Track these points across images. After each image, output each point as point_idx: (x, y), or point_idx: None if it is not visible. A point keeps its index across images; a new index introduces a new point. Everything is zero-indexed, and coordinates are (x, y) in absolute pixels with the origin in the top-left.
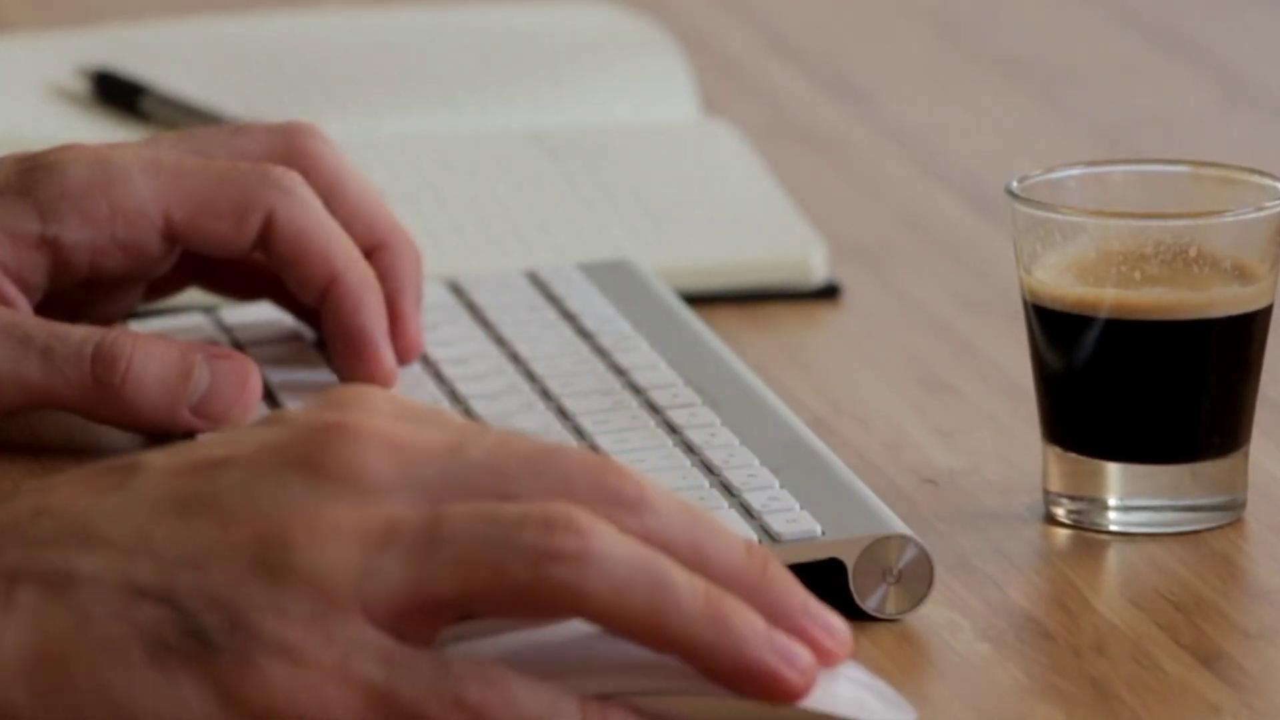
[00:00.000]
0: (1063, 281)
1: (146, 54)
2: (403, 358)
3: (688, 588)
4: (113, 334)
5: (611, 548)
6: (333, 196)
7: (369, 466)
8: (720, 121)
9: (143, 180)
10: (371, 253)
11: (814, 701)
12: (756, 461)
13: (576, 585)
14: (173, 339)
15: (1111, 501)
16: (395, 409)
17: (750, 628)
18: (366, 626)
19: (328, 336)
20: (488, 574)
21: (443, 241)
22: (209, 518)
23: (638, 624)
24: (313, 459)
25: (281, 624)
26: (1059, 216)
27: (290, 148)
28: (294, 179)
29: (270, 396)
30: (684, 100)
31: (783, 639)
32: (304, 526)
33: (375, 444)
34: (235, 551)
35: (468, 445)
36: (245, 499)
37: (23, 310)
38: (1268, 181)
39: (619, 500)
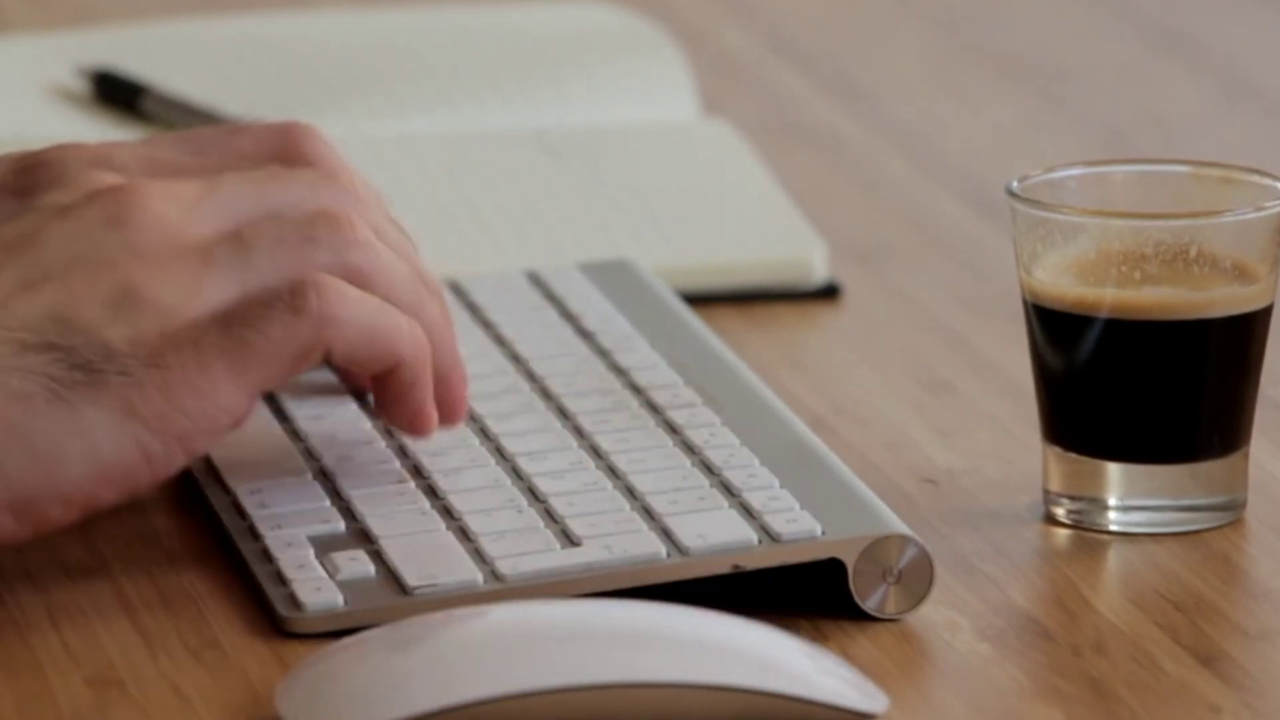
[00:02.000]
0: (1063, 281)
1: (146, 54)
2: None
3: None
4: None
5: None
6: None
7: (162, 212)
8: (720, 121)
9: None
10: None
11: (791, 688)
12: (757, 461)
13: (374, 267)
14: None
15: (1111, 501)
16: (145, 169)
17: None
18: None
19: None
20: (298, 271)
21: (443, 241)
22: (53, 284)
23: (410, 285)
24: (116, 215)
25: (145, 343)
26: (1059, 216)
27: (288, 148)
28: None
29: (273, 398)
30: (684, 100)
31: None
32: (137, 267)
33: (157, 196)
34: (86, 301)
35: (220, 181)
36: (75, 260)
37: None
38: (1268, 181)
39: (357, 197)
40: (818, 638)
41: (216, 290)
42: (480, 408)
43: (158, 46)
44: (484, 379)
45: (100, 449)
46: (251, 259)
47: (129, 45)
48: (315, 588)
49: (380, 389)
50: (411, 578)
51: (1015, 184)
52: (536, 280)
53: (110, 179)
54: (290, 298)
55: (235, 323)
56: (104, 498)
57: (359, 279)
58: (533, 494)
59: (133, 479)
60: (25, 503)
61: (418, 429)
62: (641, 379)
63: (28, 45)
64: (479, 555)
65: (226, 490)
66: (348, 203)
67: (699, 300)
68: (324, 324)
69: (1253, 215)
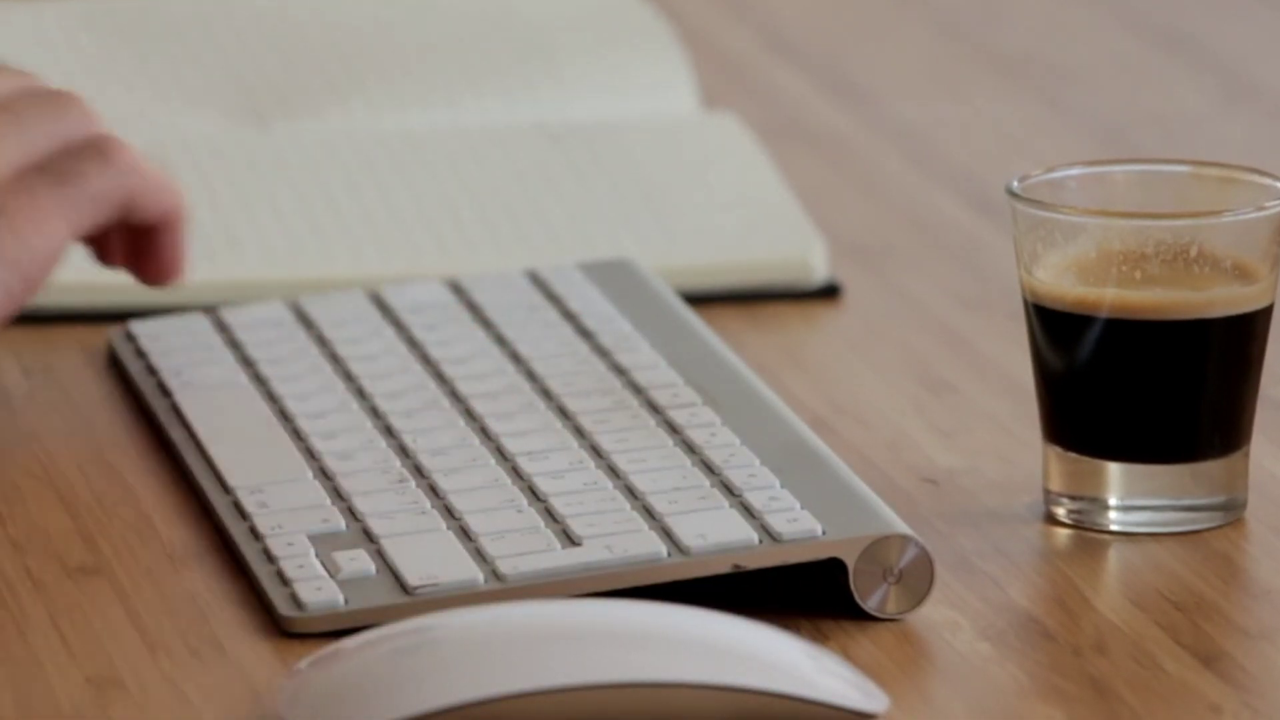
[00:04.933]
0: (1063, 281)
1: (146, 37)
2: None
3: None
4: None
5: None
6: None
7: None
8: (724, 114)
9: None
10: None
11: (791, 688)
12: (757, 461)
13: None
14: None
15: (1112, 501)
16: None
17: None
18: None
19: None
20: (68, 128)
21: (444, 240)
22: None
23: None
24: None
25: None
26: (1059, 216)
27: None
28: None
29: (273, 398)
30: (684, 94)
31: None
32: None
33: None
34: None
35: None
36: None
37: None
38: (1268, 181)
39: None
40: (818, 637)
41: (8, 148)
42: (480, 407)
43: (154, 28)
44: (484, 378)
45: None
46: (23, 121)
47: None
48: (316, 587)
49: (147, 242)
50: (412, 578)
51: (1015, 184)
52: (536, 279)
53: None
54: (100, 150)
55: (56, 172)
56: None
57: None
58: (533, 494)
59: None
60: None
61: (176, 274)
62: (641, 378)
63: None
64: (479, 555)
65: (226, 490)
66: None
67: (699, 300)
68: (130, 172)
69: (1253, 215)
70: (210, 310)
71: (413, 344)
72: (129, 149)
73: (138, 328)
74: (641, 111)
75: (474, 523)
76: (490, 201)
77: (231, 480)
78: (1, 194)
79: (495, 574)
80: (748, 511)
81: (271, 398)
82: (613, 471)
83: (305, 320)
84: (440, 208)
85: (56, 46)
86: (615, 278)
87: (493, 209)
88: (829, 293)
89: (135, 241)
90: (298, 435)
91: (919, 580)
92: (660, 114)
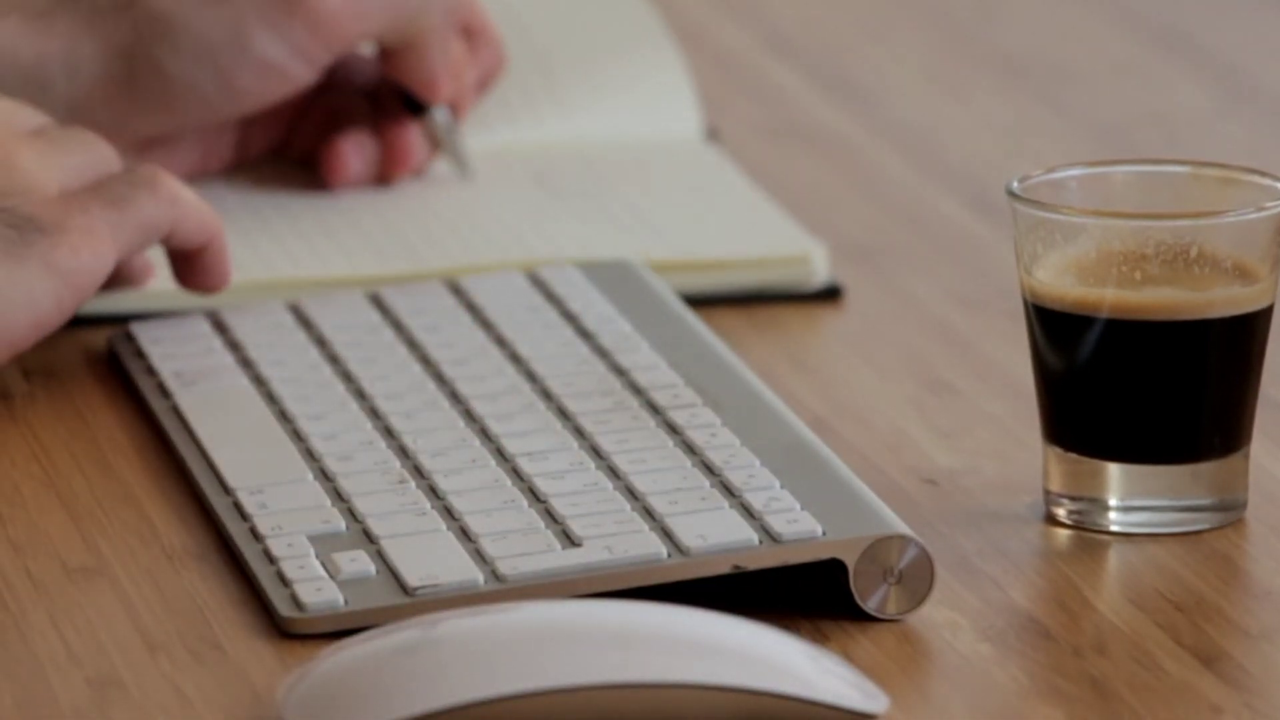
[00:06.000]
0: (1063, 282)
1: None
2: None
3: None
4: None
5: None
6: None
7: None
8: (716, 145)
9: None
10: None
11: (792, 689)
12: (757, 462)
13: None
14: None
15: (1112, 502)
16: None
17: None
18: None
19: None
20: (108, 160)
21: (445, 242)
22: None
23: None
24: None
25: (51, 207)
26: (1060, 217)
27: None
28: None
29: (273, 399)
30: (687, 111)
31: None
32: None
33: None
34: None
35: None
36: None
37: None
38: (1268, 181)
39: None
40: (818, 638)
41: (56, 170)
42: (480, 408)
43: None
44: (483, 379)
45: (39, 302)
46: (63, 148)
47: None
48: (316, 588)
49: (193, 260)
50: (412, 578)
51: (1016, 184)
52: (536, 280)
53: None
54: (147, 180)
55: (110, 195)
56: (27, 345)
57: (156, 173)
58: (533, 494)
59: (49, 328)
60: None
61: (221, 284)
62: (642, 379)
63: None
64: (479, 555)
65: (227, 491)
66: None
67: (700, 301)
68: (174, 203)
69: (1253, 215)
70: (210, 311)
71: (413, 344)
72: (171, 180)
73: (138, 328)
74: (645, 131)
75: (474, 523)
76: (489, 207)
77: (232, 481)
78: (59, 211)
79: (495, 574)
80: (748, 512)
81: (271, 398)
82: (613, 472)
83: (305, 321)
84: (442, 219)
85: None
86: (615, 279)
87: (490, 215)
88: (830, 294)
89: (178, 259)
90: (298, 436)
91: (919, 581)
92: (663, 134)
